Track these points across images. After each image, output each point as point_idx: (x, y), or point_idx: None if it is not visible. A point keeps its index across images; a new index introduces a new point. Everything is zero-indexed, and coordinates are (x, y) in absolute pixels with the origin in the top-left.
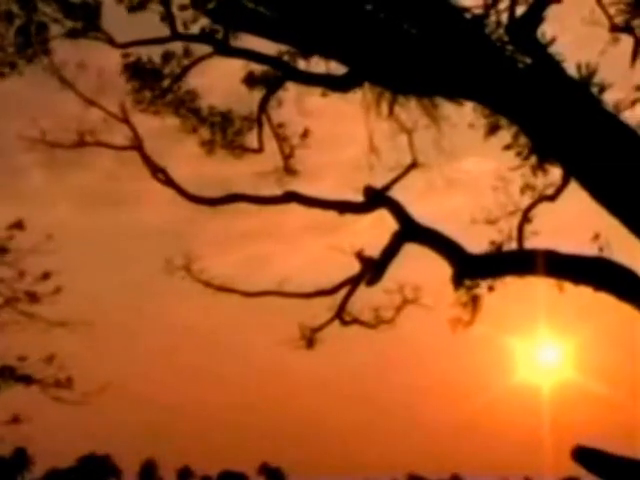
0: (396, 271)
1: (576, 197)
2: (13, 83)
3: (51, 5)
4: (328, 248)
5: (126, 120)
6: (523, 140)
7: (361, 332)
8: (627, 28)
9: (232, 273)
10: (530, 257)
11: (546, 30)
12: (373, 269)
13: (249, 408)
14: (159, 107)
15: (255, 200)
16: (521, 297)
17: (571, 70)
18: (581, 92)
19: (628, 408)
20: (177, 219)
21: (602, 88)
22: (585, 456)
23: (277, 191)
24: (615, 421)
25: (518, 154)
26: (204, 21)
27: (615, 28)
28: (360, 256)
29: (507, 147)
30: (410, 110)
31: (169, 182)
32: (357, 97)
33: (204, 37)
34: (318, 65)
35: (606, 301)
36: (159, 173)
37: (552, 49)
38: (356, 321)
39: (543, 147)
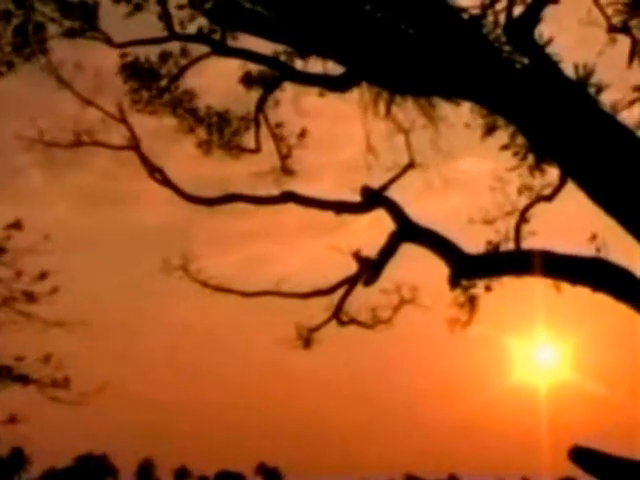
0: (393, 271)
1: (573, 197)
2: (10, 83)
3: (49, 5)
4: (326, 248)
5: (123, 120)
6: (520, 140)
7: (359, 332)
8: (624, 29)
9: (230, 273)
10: (527, 257)
11: (543, 30)
12: (370, 269)
13: (247, 408)
14: (156, 107)
15: (253, 200)
16: (518, 297)
17: (568, 71)
18: (578, 92)
19: (625, 408)
20: (175, 219)
21: (599, 88)
22: (582, 456)
23: (274, 191)
24: (612, 421)
25: (515, 154)
26: (201, 21)
27: (612, 29)
28: (357, 256)
29: (504, 147)
30: (407, 110)
31: (166, 182)
32: (354, 97)
33: (201, 37)
34: (315, 65)
35: (603, 301)
36: (156, 173)
37: (549, 49)
38: (353, 321)
39: (540, 147)
